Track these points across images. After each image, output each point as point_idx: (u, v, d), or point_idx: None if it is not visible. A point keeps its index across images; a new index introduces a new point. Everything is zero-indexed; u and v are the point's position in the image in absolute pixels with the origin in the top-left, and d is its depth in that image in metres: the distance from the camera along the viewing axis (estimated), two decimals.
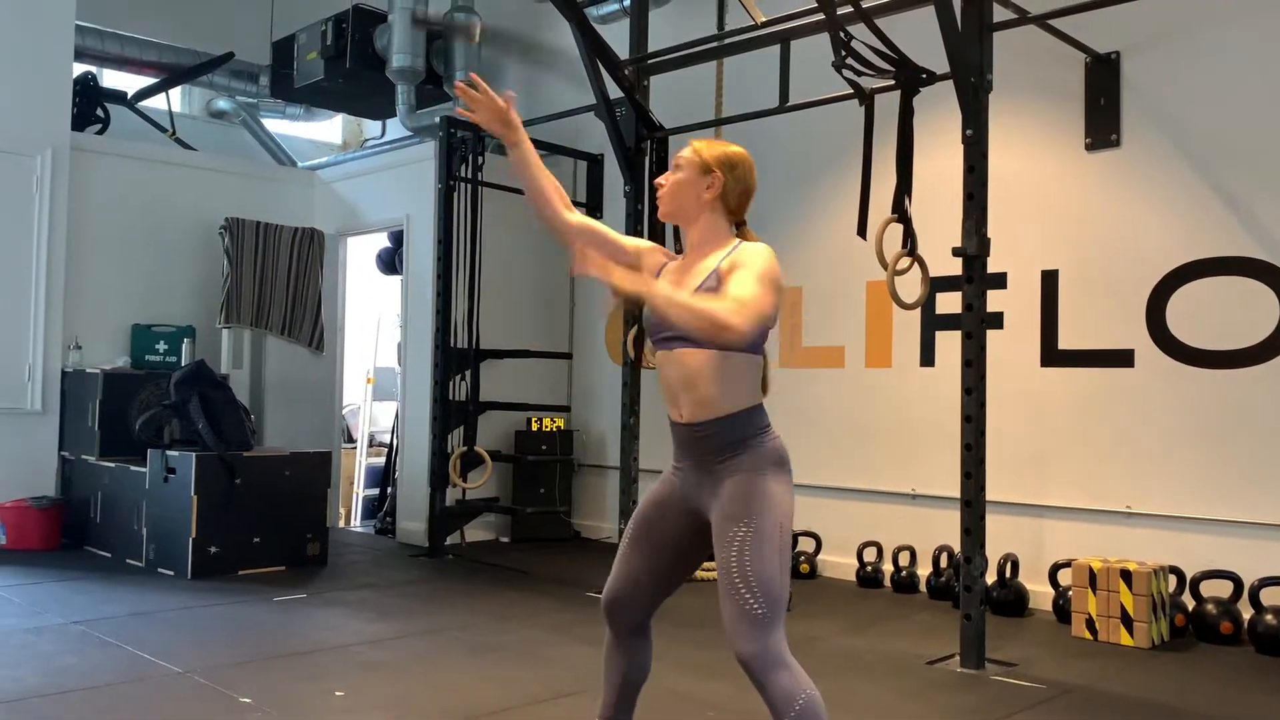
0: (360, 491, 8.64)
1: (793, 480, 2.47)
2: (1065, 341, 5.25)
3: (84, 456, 6.53)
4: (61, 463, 6.73)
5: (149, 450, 5.90)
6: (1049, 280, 5.32)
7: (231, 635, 4.38)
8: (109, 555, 6.16)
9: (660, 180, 2.58)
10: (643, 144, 5.49)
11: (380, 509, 7.94)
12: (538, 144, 7.79)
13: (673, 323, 2.28)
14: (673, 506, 2.59)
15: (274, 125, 9.17)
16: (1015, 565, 5.09)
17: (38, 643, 4.14)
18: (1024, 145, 5.40)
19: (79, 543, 6.45)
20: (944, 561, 5.40)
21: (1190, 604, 4.64)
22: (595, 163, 7.42)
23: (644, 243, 2.71)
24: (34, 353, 6.63)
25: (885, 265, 4.36)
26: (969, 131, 4.14)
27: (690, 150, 2.56)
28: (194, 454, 5.59)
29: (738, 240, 2.53)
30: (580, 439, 7.48)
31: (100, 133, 7.60)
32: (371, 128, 9.61)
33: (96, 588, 5.27)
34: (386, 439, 8.54)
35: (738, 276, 2.35)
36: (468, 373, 6.77)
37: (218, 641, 4.25)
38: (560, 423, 7.36)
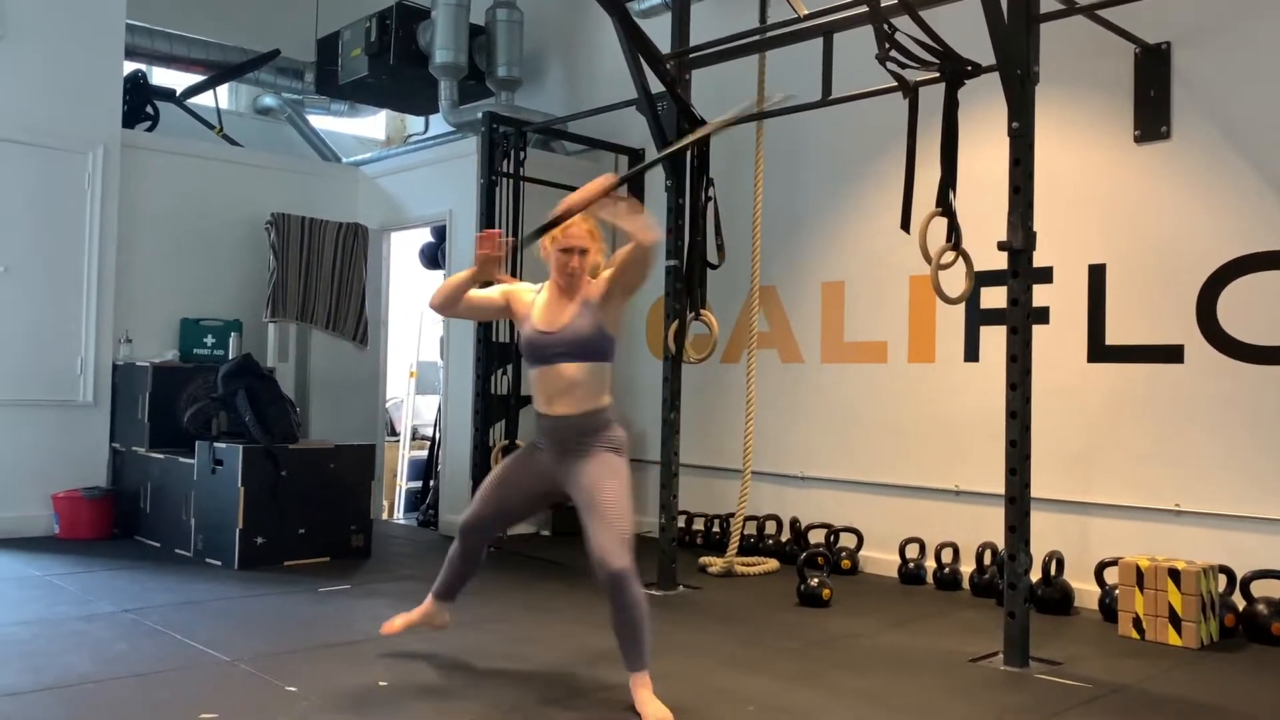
0: (403, 484, 8.72)
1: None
2: (1113, 337, 5.18)
3: (134, 448, 6.66)
4: (112, 454, 6.86)
5: (197, 442, 6.00)
6: (1096, 274, 5.24)
7: (278, 625, 4.45)
8: (158, 545, 6.27)
9: (574, 266, 3.45)
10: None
11: (423, 502, 8.01)
12: (579, 139, 7.87)
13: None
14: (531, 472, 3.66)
15: (319, 121, 9.27)
16: (1060, 563, 5.03)
17: (90, 630, 4.23)
18: (1071, 137, 5.33)
19: (129, 532, 6.57)
20: (987, 558, 5.35)
21: (1241, 604, 4.56)
22: (637, 157, 7.42)
23: (504, 286, 3.65)
24: (86, 346, 6.77)
25: (929, 259, 4.32)
26: (1015, 124, 4.09)
27: (588, 236, 3.46)
28: (241, 446, 5.67)
29: (586, 278, 3.52)
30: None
31: (150, 130, 7.72)
32: (415, 123, 9.69)
33: (146, 577, 5.37)
34: (429, 432, 8.61)
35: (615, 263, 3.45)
36: (509, 367, 6.80)
37: (264, 631, 4.31)
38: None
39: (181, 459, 6.13)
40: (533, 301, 3.56)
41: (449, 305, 3.57)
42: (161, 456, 6.37)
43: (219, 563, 5.73)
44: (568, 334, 3.44)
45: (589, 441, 3.46)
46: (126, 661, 3.78)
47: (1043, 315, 5.28)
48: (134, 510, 6.58)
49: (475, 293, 3.60)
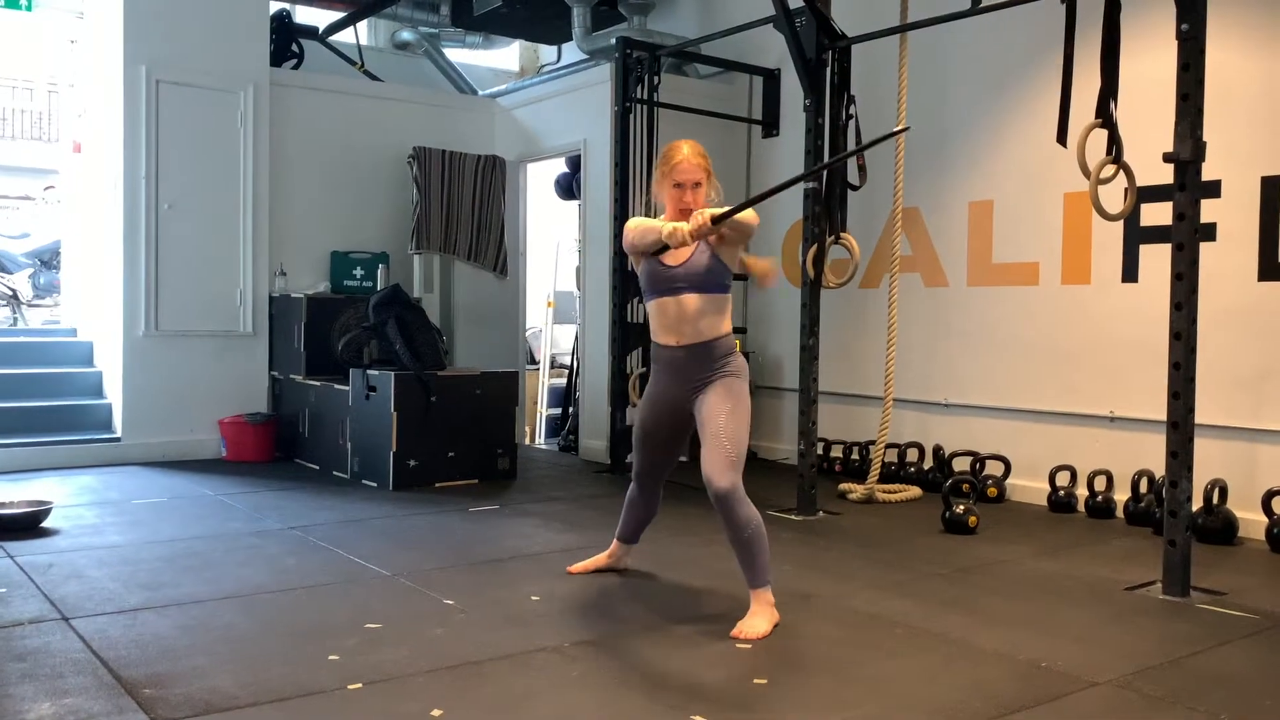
0: (544, 411, 8.92)
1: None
2: None
3: (292, 376, 6.98)
4: (272, 382, 7.22)
5: (351, 370, 6.25)
6: (1270, 187, 4.91)
7: (432, 543, 4.64)
8: (317, 468, 6.60)
9: (688, 202, 3.63)
10: (824, 55, 5.33)
11: (563, 427, 8.18)
12: (714, 61, 7.74)
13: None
14: (663, 412, 3.73)
15: (454, 54, 9.37)
16: (1224, 491, 4.82)
17: (261, 545, 4.50)
18: (1244, 39, 4.96)
19: (289, 455, 6.93)
20: (1144, 486, 5.16)
21: None
22: (772, 77, 7.27)
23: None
24: (244, 279, 7.09)
25: (1087, 174, 4.12)
26: (1184, 26, 3.82)
27: (698, 168, 3.65)
28: (393, 373, 5.89)
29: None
30: (757, 360, 7.46)
31: (295, 68, 7.94)
32: (548, 53, 9.70)
33: (308, 497, 5.67)
34: (567, 360, 8.76)
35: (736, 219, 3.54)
36: None
37: (420, 548, 4.51)
38: (737, 345, 7.33)
39: (336, 386, 6.40)
40: None
41: (635, 251, 3.63)
42: (318, 384, 6.67)
43: (374, 484, 5.99)
44: (689, 266, 3.54)
45: (709, 369, 3.54)
46: (296, 574, 4.02)
47: (1209, 232, 4.98)
48: (294, 434, 6.92)
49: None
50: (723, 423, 3.44)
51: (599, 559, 4.12)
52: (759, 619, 3.37)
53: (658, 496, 3.96)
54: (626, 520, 4.02)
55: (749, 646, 3.21)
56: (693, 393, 3.57)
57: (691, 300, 3.53)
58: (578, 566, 4.12)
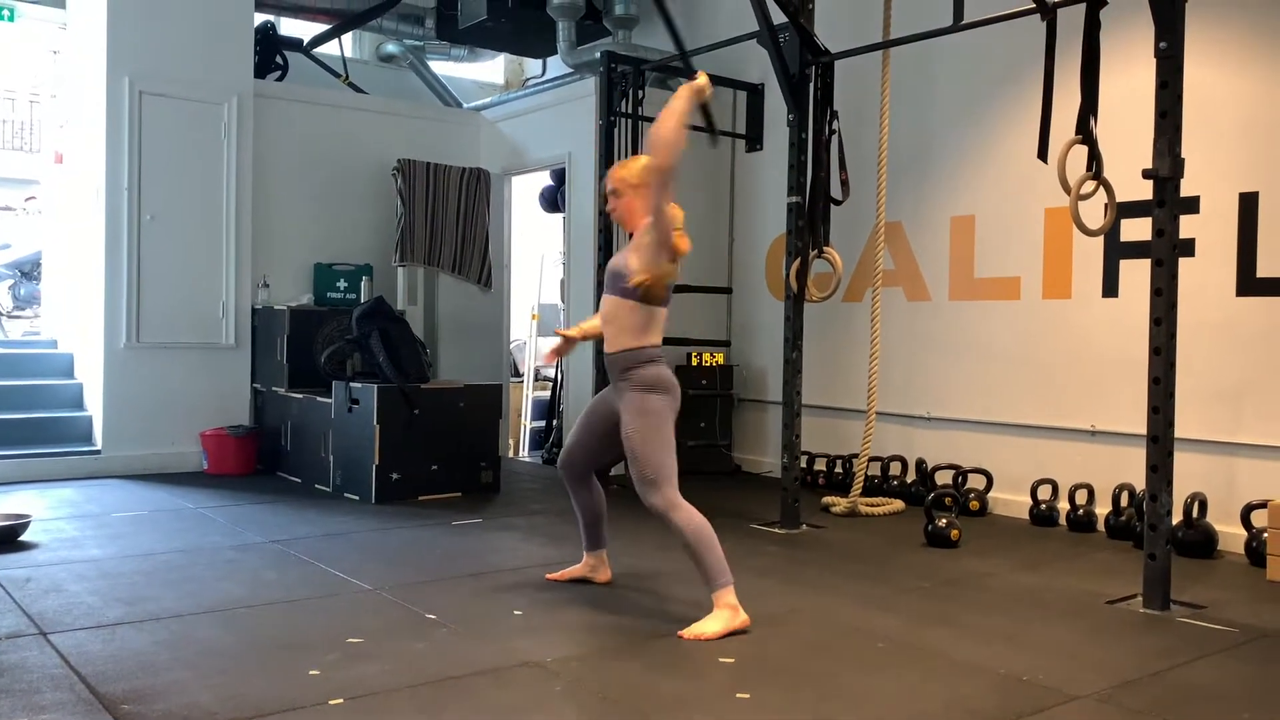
0: (527, 423, 8.90)
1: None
2: (1265, 269, 4.90)
3: (274, 388, 6.95)
4: (254, 394, 7.19)
5: (333, 382, 6.23)
6: (1248, 203, 4.96)
7: (415, 556, 4.62)
8: (299, 480, 6.57)
9: (612, 206, 3.68)
10: (807, 70, 5.36)
11: (547, 440, 8.17)
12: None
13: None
14: (602, 408, 3.80)
15: (439, 67, 9.38)
16: (1203, 505, 4.85)
17: (242, 559, 4.47)
18: (1222, 58, 5.01)
19: (271, 468, 6.90)
20: (1124, 500, 5.19)
21: None
22: (756, 92, 7.30)
23: None
24: (227, 290, 7.07)
25: (1068, 190, 4.15)
26: (1163, 44, 3.87)
27: (614, 180, 3.66)
28: (376, 386, 5.87)
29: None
30: (740, 374, 7.48)
31: (280, 80, 7.94)
32: (532, 66, 9.72)
33: (290, 510, 5.63)
34: (551, 373, 8.75)
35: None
36: None
37: (403, 562, 4.49)
38: (720, 358, 7.37)
39: (319, 398, 6.38)
40: None
41: (677, 147, 3.41)
42: (300, 396, 6.64)
43: (357, 497, 5.97)
44: (610, 267, 3.65)
45: (622, 383, 3.59)
46: (277, 588, 3.99)
47: (1188, 247, 5.03)
48: (275, 447, 6.89)
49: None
50: (632, 446, 3.52)
51: (575, 569, 4.14)
52: (711, 621, 3.41)
53: (591, 491, 3.98)
54: (581, 526, 4.07)
55: (731, 660, 3.21)
56: (616, 402, 3.64)
57: (610, 300, 3.62)
58: (556, 574, 4.15)
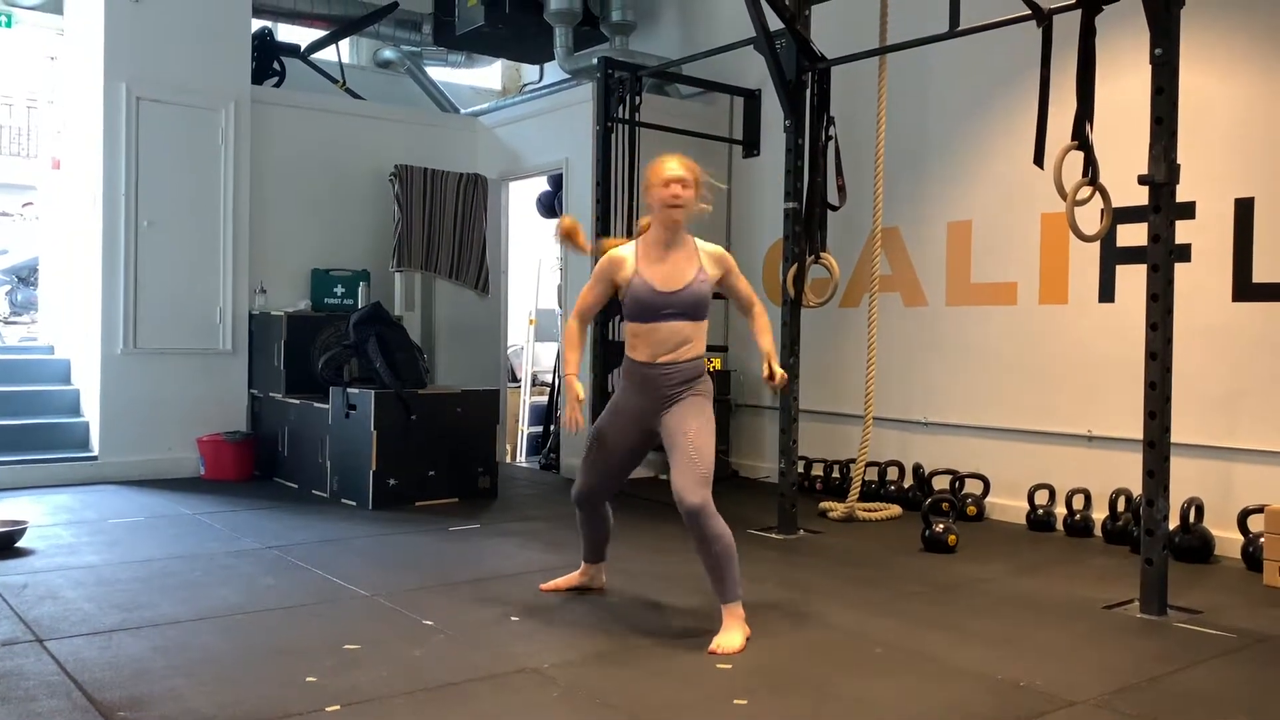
0: (524, 429, 8.90)
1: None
2: (1261, 274, 4.91)
3: (271, 394, 6.95)
4: (251, 400, 7.18)
5: (331, 388, 6.23)
6: (1243, 209, 4.97)
7: (412, 562, 4.62)
8: (296, 486, 6.56)
9: (678, 192, 3.60)
10: (804, 76, 5.37)
11: (544, 446, 8.17)
12: (694, 81, 7.78)
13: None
14: (626, 426, 3.75)
15: (437, 73, 9.39)
16: (1200, 510, 4.85)
17: (238, 565, 4.47)
18: (1217, 64, 5.03)
19: (268, 474, 6.89)
20: (1121, 505, 5.19)
21: None
22: (752, 98, 7.31)
23: (600, 267, 3.73)
24: (224, 296, 7.07)
25: (1064, 195, 4.16)
26: (1158, 50, 3.88)
27: (687, 169, 3.65)
28: (373, 392, 5.87)
29: (691, 237, 3.74)
30: (737, 379, 7.48)
31: (277, 85, 7.94)
32: (529, 72, 9.73)
33: (287, 516, 5.63)
34: (548, 378, 8.75)
35: (735, 281, 3.80)
36: None
37: (400, 568, 4.49)
38: (717, 363, 7.37)
39: (316, 404, 6.38)
40: (633, 260, 3.66)
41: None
42: (297, 402, 6.63)
43: (354, 503, 5.96)
44: (687, 295, 3.60)
45: (681, 386, 3.61)
46: (274, 595, 3.99)
47: (1184, 253, 5.03)
48: (273, 453, 6.88)
49: (590, 301, 3.80)
50: (692, 439, 3.49)
51: (570, 578, 4.12)
52: (733, 634, 3.39)
53: (605, 516, 3.95)
54: (585, 541, 4.04)
55: (729, 666, 3.21)
56: (662, 409, 3.62)
57: (685, 327, 3.61)
58: (550, 584, 4.12)
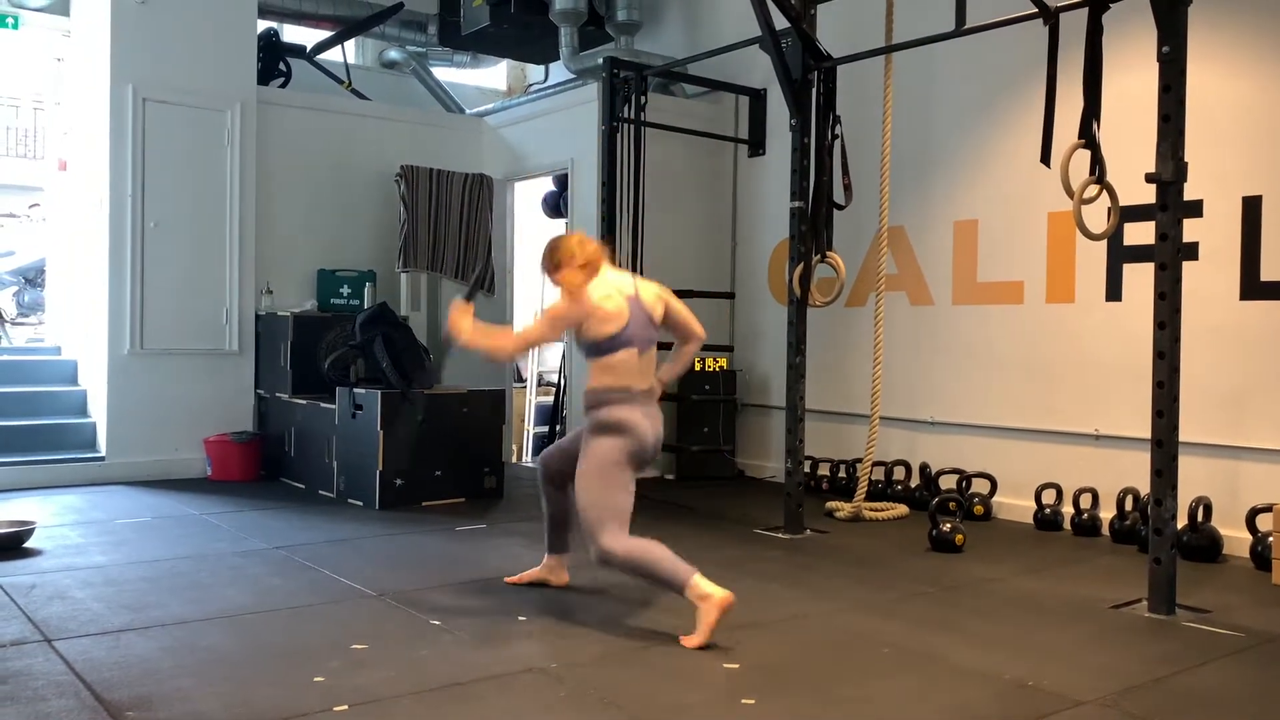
0: (530, 429, 8.90)
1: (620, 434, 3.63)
2: (1269, 273, 4.90)
3: (278, 394, 6.96)
4: (257, 400, 7.19)
5: (337, 388, 6.23)
6: (1251, 207, 4.96)
7: (419, 562, 4.62)
8: (302, 486, 6.57)
9: (556, 280, 3.78)
10: (809, 75, 5.37)
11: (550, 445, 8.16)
12: (701, 80, 7.78)
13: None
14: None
15: (442, 73, 9.39)
16: (1208, 509, 4.84)
17: (246, 565, 4.47)
18: (1225, 62, 5.02)
19: (275, 475, 6.90)
20: (1129, 504, 5.18)
21: None
22: (758, 97, 7.31)
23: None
24: (230, 297, 7.08)
25: (1071, 194, 4.15)
26: (1165, 48, 3.87)
27: (544, 258, 3.84)
28: (379, 392, 5.87)
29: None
30: (744, 379, 7.48)
31: (283, 86, 7.94)
32: (535, 73, 9.73)
33: (293, 516, 5.64)
34: (554, 379, 8.75)
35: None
36: None
37: (407, 567, 4.49)
38: (723, 363, 7.37)
39: (323, 404, 6.38)
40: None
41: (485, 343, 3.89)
42: (304, 402, 6.64)
43: (360, 503, 5.97)
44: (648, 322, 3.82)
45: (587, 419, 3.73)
46: (281, 595, 3.99)
47: (1192, 251, 5.03)
48: (279, 453, 6.89)
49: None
50: (577, 484, 3.64)
51: (533, 571, 4.18)
52: (701, 622, 3.36)
53: (565, 493, 4.01)
54: (546, 530, 4.13)
55: (736, 666, 3.21)
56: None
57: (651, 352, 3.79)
58: (514, 577, 4.21)
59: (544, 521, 4.14)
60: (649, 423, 3.67)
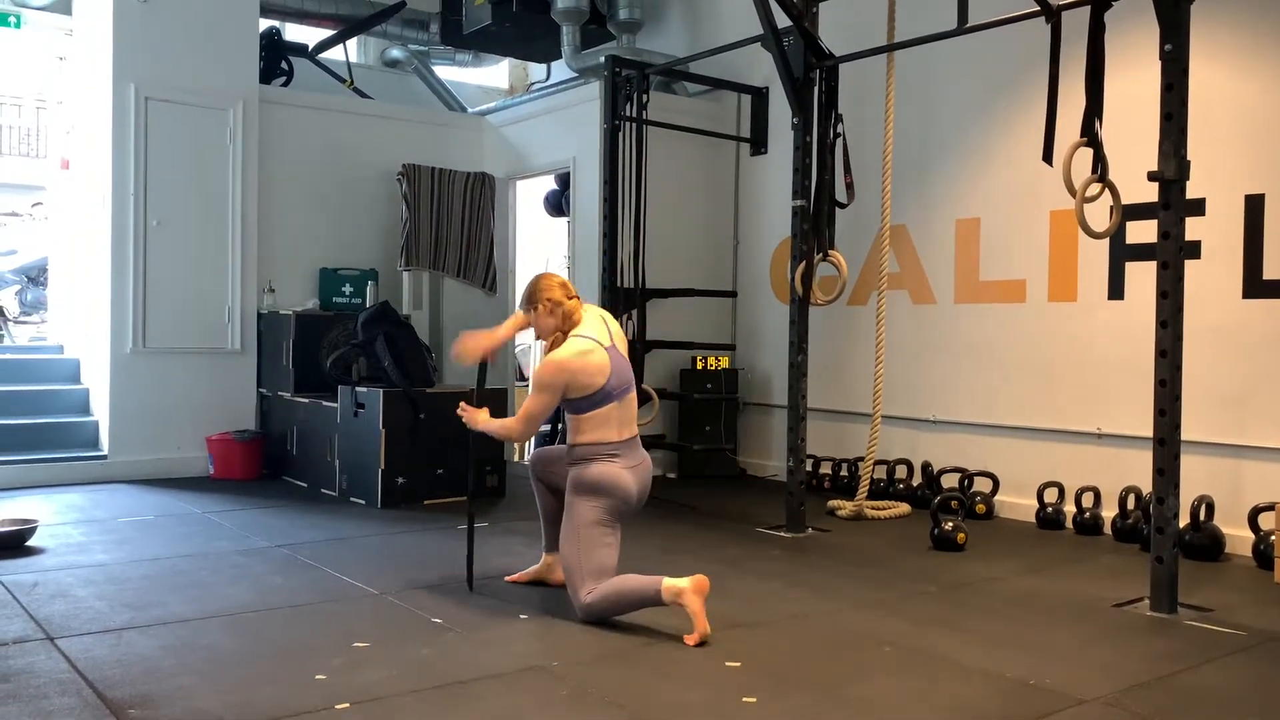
0: None
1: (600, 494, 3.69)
2: (1271, 271, 4.89)
3: (280, 393, 6.96)
4: (260, 399, 7.20)
5: (339, 387, 6.23)
6: (1253, 205, 4.95)
7: (420, 561, 4.62)
8: (305, 485, 6.57)
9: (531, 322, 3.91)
10: (811, 74, 5.36)
11: (551, 444, 8.16)
12: (703, 79, 7.78)
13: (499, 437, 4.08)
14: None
15: (444, 72, 9.40)
16: (1210, 508, 4.83)
17: (248, 563, 4.48)
18: (1227, 60, 5.01)
19: (277, 473, 6.91)
20: (1131, 503, 5.18)
21: None
22: (760, 96, 7.31)
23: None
24: (233, 295, 7.08)
25: (1073, 192, 4.15)
26: (1168, 46, 3.87)
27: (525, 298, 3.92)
28: (381, 391, 5.88)
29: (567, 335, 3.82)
30: (745, 377, 7.47)
31: (285, 85, 7.95)
32: (537, 71, 9.73)
33: (295, 515, 5.64)
34: None
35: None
36: (634, 312, 6.83)
37: (408, 566, 4.49)
38: (725, 361, 7.37)
39: (325, 403, 6.39)
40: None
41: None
42: (306, 401, 6.65)
43: (362, 501, 5.97)
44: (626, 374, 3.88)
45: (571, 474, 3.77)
46: (283, 593, 3.99)
47: (1194, 249, 5.02)
48: (281, 452, 6.90)
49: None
50: (560, 547, 3.70)
51: (533, 570, 4.21)
52: (692, 619, 3.39)
53: (551, 498, 4.09)
54: (544, 526, 4.15)
55: (738, 665, 3.21)
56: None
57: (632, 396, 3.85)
58: (514, 576, 4.23)
59: (540, 520, 4.16)
60: (631, 475, 3.71)
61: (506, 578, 4.21)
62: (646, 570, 4.33)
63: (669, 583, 3.43)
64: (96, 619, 3.58)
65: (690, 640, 3.36)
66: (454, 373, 7.83)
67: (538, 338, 3.96)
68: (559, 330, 3.81)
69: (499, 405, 6.41)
